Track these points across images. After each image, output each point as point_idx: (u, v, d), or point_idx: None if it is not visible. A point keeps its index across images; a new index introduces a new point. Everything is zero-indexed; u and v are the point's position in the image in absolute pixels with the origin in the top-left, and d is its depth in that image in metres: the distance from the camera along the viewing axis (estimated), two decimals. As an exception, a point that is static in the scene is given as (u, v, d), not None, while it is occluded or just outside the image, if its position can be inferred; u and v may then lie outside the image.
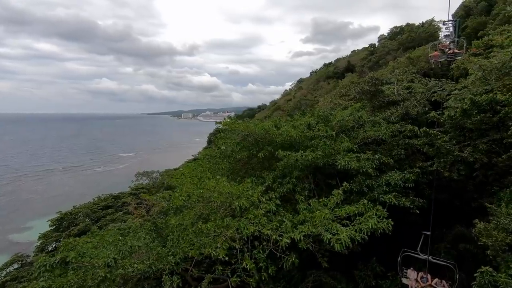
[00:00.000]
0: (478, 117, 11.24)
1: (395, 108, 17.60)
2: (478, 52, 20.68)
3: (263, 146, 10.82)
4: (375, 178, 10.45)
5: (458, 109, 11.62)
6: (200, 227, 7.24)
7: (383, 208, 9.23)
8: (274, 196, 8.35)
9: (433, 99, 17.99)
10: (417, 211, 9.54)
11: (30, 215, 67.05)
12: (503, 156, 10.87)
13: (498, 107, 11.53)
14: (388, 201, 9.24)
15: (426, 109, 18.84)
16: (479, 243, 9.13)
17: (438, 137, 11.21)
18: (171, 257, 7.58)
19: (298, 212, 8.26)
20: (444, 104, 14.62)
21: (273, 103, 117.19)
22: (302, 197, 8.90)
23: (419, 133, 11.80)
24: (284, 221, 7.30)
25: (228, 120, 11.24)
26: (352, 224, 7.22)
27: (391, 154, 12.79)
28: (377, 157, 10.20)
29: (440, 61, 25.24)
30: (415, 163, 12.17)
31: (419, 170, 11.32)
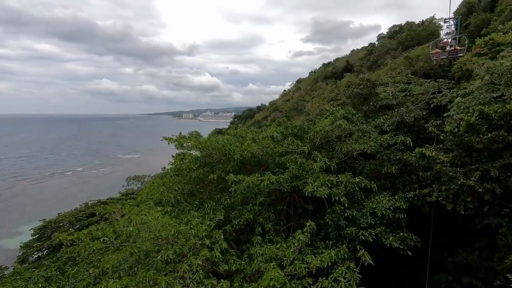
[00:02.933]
0: (489, 134, 8.85)
1: (389, 114, 15.70)
2: (482, 52, 18.71)
3: (223, 164, 8.97)
4: (358, 206, 8.54)
5: (462, 123, 9.54)
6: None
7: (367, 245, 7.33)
8: (219, 238, 6.43)
9: (432, 105, 16.02)
10: (409, 253, 7.59)
11: (22, 219, 65.51)
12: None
13: None
14: (370, 240, 7.33)
15: (424, 114, 16.92)
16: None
17: (438, 160, 9.28)
18: None
19: (253, 258, 6.39)
20: (445, 114, 12.55)
21: (272, 103, 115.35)
22: (258, 237, 6.99)
23: (413, 151, 9.85)
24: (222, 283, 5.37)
25: (185, 136, 9.35)
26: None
27: (380, 171, 10.85)
28: (356, 180, 8.20)
29: (441, 59, 23.78)
30: (411, 184, 10.21)
31: (412, 196, 9.38)
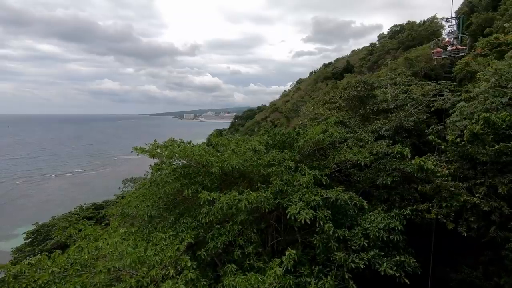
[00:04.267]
0: (496, 146, 7.74)
1: (387, 118, 14.81)
2: (484, 53, 17.78)
3: (203, 176, 8.10)
4: (350, 221, 7.66)
5: (466, 132, 8.45)
6: None
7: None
8: (186, 265, 5.57)
9: (432, 108, 15.12)
10: (407, 281, 6.67)
11: (20, 221, 64.82)
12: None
13: None
14: (361, 267, 6.45)
15: (425, 118, 16.02)
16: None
17: (438, 174, 8.35)
18: None
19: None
20: (447, 120, 11.58)
21: (272, 104, 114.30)
22: (233, 265, 6.11)
23: (414, 156, 8.90)
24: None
25: (160, 145, 8.47)
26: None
27: (375, 182, 9.97)
28: (346, 197, 7.27)
29: (442, 58, 23.12)
30: (409, 195, 9.33)
31: (410, 212, 8.46)
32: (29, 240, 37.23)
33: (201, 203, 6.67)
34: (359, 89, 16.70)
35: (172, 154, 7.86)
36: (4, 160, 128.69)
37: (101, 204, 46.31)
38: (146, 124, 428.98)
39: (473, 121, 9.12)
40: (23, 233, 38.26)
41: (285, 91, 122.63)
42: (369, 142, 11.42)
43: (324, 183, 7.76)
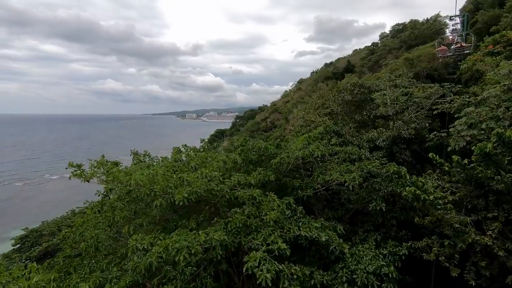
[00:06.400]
0: None
1: (385, 126, 13.34)
2: (496, 51, 16.19)
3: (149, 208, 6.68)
4: (334, 255, 6.21)
5: (475, 149, 6.59)
6: None
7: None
8: None
9: (435, 111, 13.60)
10: None
11: (16, 223, 64.01)
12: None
13: None
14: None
15: (427, 124, 14.51)
16: None
17: (438, 205, 6.52)
18: None
19: None
20: (450, 127, 9.94)
21: (272, 104, 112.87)
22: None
23: (407, 183, 7.37)
24: None
25: (94, 164, 7.10)
26: None
27: (369, 202, 8.49)
28: (323, 239, 5.77)
29: (447, 56, 21.84)
30: (407, 220, 7.87)
31: (406, 252, 6.98)
32: (18, 246, 35.99)
33: (129, 253, 5.24)
34: (355, 92, 15.23)
35: (110, 178, 6.47)
36: (6, 162, 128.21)
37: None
38: (149, 124, 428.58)
39: (483, 132, 7.61)
40: (12, 239, 37.03)
41: (286, 91, 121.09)
42: (363, 156, 9.96)
43: (299, 214, 6.32)
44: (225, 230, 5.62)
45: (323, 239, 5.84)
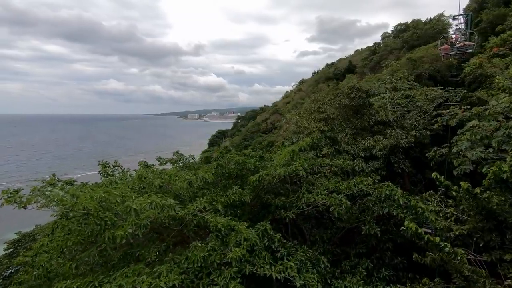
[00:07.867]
0: None
1: (383, 132, 12.36)
2: (502, 53, 15.16)
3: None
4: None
5: (488, 174, 5.60)
6: None
7: None
8: None
9: (436, 125, 12.51)
10: None
11: (13, 226, 63.58)
12: None
13: None
14: None
15: (429, 133, 13.52)
16: None
17: (441, 246, 5.20)
18: None
19: None
20: (453, 149, 8.79)
21: (274, 105, 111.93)
22: None
23: (406, 206, 6.37)
24: None
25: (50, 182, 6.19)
26: None
27: (359, 224, 7.51)
28: (298, 284, 4.71)
29: (450, 55, 21.00)
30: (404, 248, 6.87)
31: None
32: (10, 250, 35.23)
33: None
34: (352, 96, 14.23)
35: (59, 201, 5.56)
36: (7, 163, 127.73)
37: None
38: (151, 124, 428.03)
39: (490, 149, 6.58)
40: (4, 243, 36.31)
41: (287, 91, 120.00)
42: (357, 167, 8.98)
43: (277, 244, 5.35)
44: (183, 268, 4.68)
45: (298, 284, 4.88)
